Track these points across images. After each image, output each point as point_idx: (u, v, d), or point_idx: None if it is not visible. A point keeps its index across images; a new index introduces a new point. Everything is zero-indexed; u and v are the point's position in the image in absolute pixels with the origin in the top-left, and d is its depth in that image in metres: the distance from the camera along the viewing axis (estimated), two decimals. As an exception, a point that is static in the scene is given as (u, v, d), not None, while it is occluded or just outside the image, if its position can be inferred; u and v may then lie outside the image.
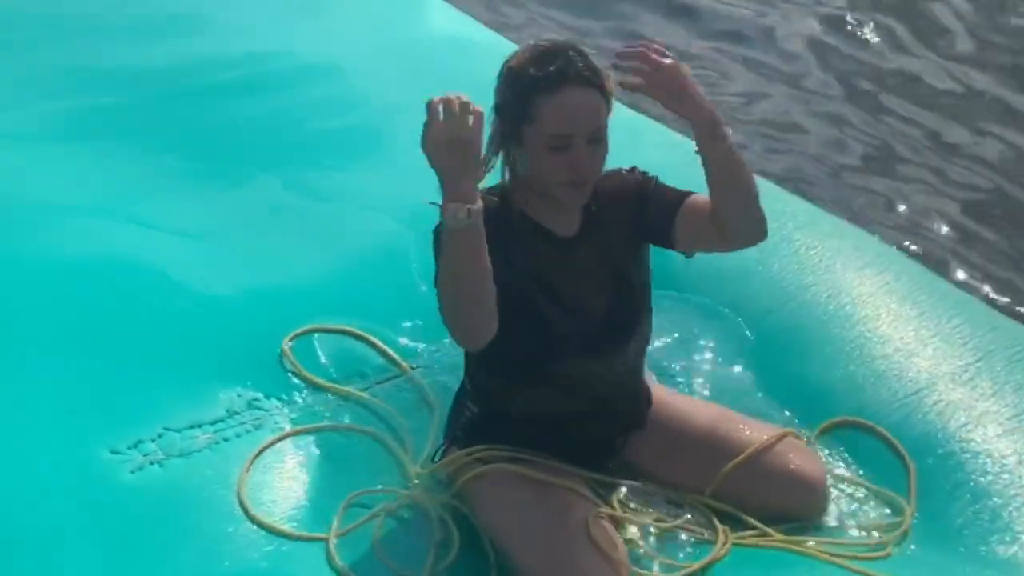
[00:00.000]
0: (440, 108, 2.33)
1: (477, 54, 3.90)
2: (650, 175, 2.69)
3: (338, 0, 4.57)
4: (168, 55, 4.10)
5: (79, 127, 3.75)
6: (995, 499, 2.76)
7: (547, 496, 2.61)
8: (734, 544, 2.64)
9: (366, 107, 3.96)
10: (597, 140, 2.51)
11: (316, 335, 3.10)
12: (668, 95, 2.48)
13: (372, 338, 3.12)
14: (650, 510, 2.71)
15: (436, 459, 2.78)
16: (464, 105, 2.33)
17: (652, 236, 2.68)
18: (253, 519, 2.60)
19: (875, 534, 2.73)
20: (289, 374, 3.01)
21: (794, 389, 3.08)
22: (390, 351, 3.10)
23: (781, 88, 6.06)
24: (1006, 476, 2.81)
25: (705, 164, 2.51)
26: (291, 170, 3.66)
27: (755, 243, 2.67)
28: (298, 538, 2.58)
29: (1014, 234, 5.10)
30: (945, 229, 5.09)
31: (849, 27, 6.62)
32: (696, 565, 2.59)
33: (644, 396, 2.83)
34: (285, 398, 2.96)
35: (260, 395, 2.94)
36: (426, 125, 2.34)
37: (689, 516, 2.72)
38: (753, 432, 2.80)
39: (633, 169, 2.70)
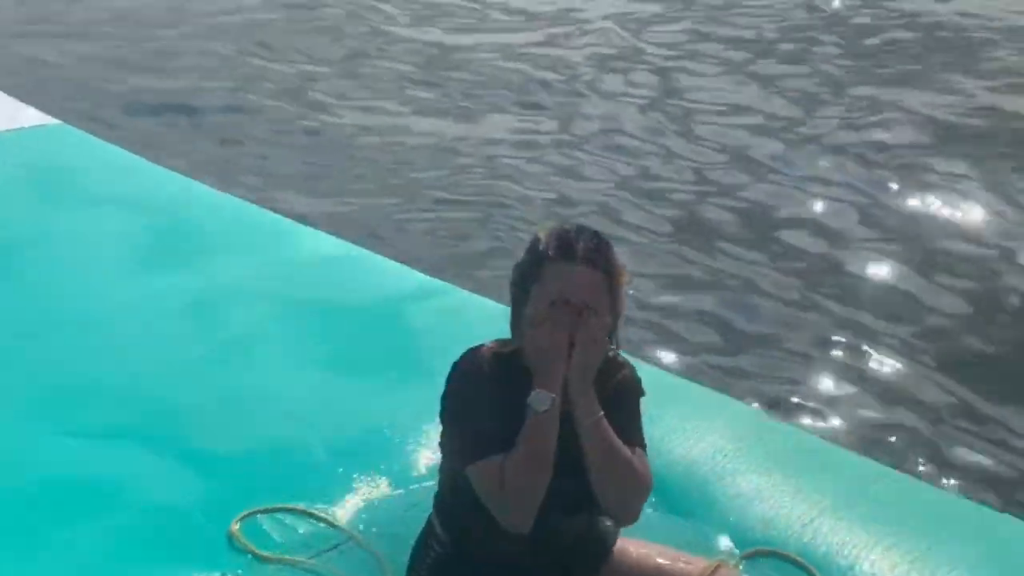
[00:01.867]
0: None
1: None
2: (640, 389, 2.95)
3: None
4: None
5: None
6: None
7: None
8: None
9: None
10: (591, 311, 2.78)
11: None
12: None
13: (312, 510, 3.30)
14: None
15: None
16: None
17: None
18: None
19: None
20: (239, 552, 3.16)
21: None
22: (330, 519, 3.28)
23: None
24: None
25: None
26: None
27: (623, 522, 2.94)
28: None
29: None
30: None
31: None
32: None
33: (603, 554, 3.03)
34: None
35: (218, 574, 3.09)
36: (548, 322, 2.71)
37: None
38: (691, 566, 3.06)
39: (630, 372, 2.95)
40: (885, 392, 5.37)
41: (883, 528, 3.38)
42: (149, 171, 5.57)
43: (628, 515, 2.89)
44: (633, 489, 2.85)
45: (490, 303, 4.29)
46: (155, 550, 3.17)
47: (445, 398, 2.77)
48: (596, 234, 2.85)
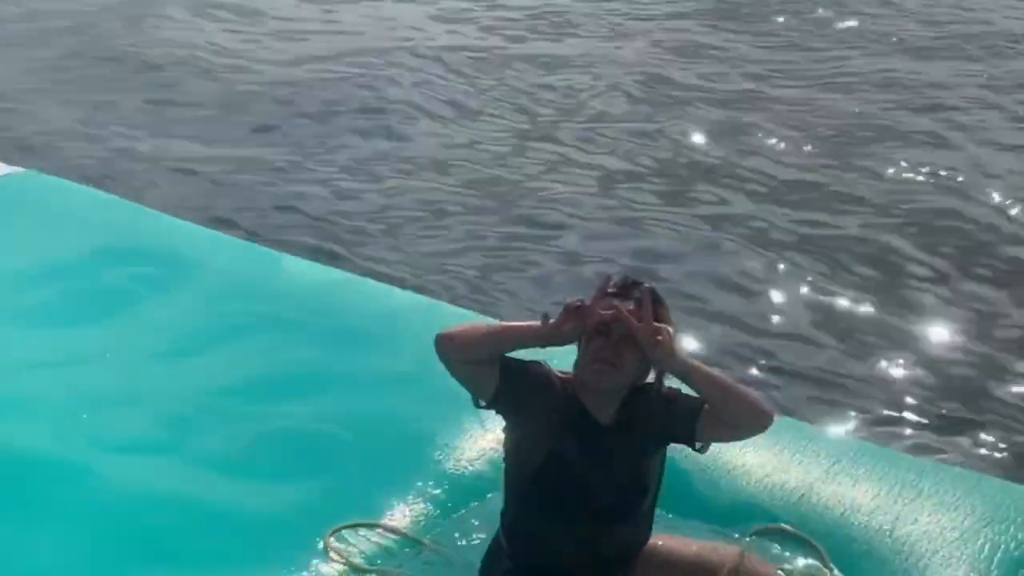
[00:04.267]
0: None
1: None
2: (675, 388, 3.46)
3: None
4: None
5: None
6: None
7: None
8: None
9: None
10: (627, 340, 3.31)
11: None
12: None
13: (394, 525, 3.89)
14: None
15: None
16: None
17: (677, 437, 3.45)
18: None
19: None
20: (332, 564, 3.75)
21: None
22: (409, 533, 3.88)
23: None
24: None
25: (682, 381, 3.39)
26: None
27: (757, 432, 3.47)
28: None
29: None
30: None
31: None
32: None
33: (631, 561, 3.60)
34: (342, 583, 3.70)
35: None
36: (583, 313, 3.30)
37: None
38: (717, 554, 3.65)
39: (662, 384, 3.49)
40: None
41: (873, 500, 3.95)
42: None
43: (761, 417, 3.38)
44: (749, 399, 3.37)
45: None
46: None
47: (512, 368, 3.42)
48: (653, 289, 3.41)
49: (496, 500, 3.69)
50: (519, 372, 3.45)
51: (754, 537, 3.90)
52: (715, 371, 3.41)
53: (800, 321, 6.20)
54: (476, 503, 4.03)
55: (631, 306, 3.35)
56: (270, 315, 4.95)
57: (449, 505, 4.03)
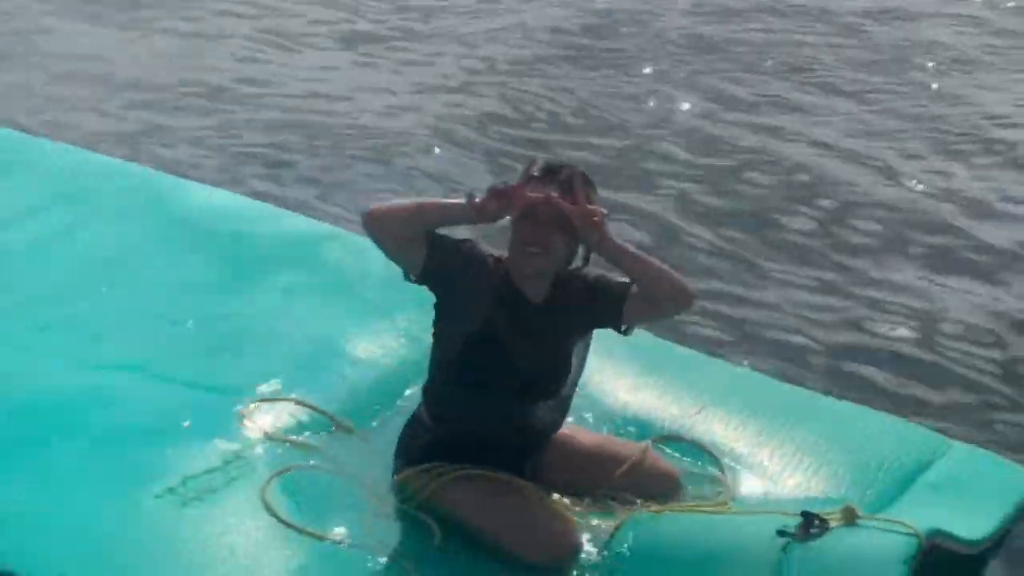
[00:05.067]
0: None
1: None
2: (601, 272, 3.60)
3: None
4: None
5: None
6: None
7: (505, 487, 3.61)
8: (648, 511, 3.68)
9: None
10: (554, 224, 3.46)
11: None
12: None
13: (312, 403, 4.00)
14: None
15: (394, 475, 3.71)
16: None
17: (605, 319, 3.61)
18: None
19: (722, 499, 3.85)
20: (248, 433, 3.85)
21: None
22: (328, 412, 3.99)
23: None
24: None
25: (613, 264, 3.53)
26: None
27: (680, 311, 3.68)
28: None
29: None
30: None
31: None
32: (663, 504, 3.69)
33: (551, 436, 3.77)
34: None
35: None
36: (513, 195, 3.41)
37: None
38: (624, 447, 3.88)
39: (590, 269, 3.63)
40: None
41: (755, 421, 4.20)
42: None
43: (685, 295, 3.55)
44: (675, 278, 3.51)
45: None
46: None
47: (441, 243, 3.55)
48: (582, 172, 3.55)
49: (413, 396, 3.90)
50: (449, 248, 3.58)
51: (655, 443, 4.07)
52: (642, 252, 3.58)
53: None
54: (395, 392, 4.17)
55: (557, 190, 3.49)
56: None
57: (366, 391, 4.16)
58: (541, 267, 3.55)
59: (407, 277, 3.61)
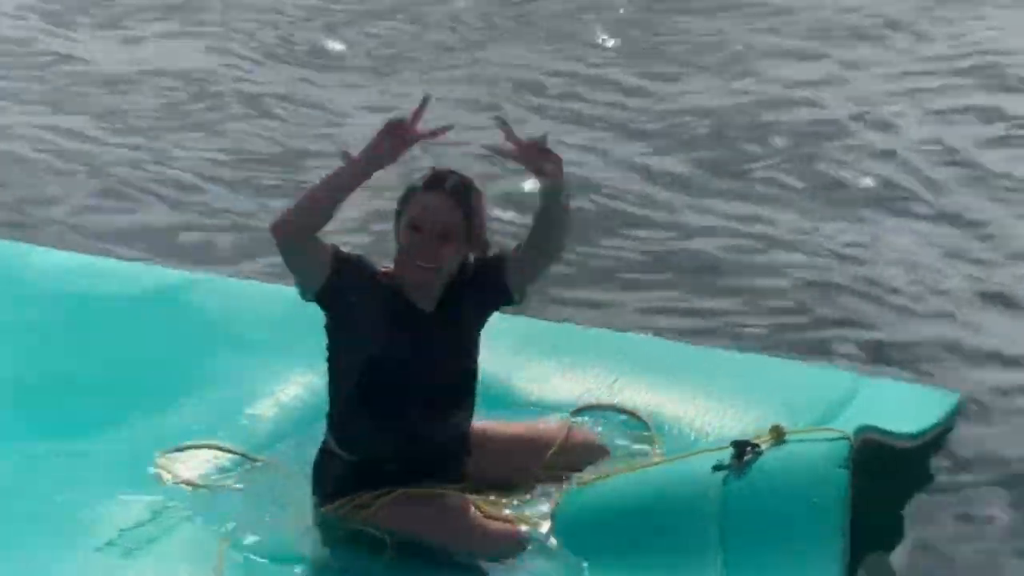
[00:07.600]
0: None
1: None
2: (473, 259, 3.58)
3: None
4: None
5: None
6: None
7: (438, 500, 3.58)
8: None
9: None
10: (443, 237, 3.45)
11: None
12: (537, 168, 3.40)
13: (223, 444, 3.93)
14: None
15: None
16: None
17: (495, 299, 3.61)
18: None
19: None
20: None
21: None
22: (239, 450, 3.92)
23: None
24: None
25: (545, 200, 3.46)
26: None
27: (558, 258, 3.66)
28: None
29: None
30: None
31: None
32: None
33: (465, 446, 3.72)
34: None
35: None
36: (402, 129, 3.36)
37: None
38: (548, 428, 3.88)
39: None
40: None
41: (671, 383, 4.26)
42: None
43: (559, 252, 3.60)
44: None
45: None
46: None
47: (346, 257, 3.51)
48: (465, 177, 3.54)
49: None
50: (350, 265, 3.53)
51: (575, 414, 4.09)
52: None
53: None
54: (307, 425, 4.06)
55: (446, 198, 3.49)
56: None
57: (279, 427, 4.09)
58: (433, 281, 3.55)
59: (303, 295, 3.57)
